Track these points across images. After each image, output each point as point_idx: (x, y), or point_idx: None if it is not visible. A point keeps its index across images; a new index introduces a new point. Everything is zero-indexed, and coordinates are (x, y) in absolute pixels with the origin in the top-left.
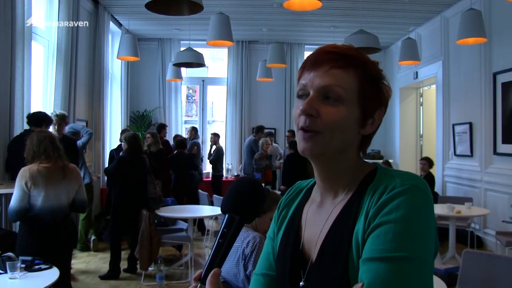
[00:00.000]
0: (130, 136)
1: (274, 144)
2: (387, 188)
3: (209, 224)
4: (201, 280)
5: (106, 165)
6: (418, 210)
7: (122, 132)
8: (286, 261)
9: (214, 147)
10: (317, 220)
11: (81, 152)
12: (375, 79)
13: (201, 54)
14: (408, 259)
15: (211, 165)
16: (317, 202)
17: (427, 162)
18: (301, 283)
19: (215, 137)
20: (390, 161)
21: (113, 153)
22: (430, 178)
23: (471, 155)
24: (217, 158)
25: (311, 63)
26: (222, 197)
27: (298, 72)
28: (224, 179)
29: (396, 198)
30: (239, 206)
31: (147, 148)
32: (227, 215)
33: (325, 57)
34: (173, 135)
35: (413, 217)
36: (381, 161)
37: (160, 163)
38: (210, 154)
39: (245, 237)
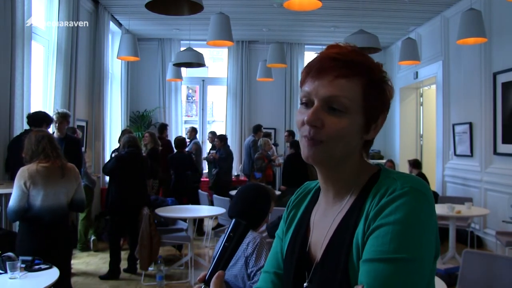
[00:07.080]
0: (130, 140)
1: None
2: (387, 190)
3: (209, 224)
4: (206, 281)
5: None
6: (417, 212)
7: (123, 132)
8: (292, 261)
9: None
10: (324, 223)
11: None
12: (379, 83)
13: (201, 54)
14: (406, 260)
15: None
16: (324, 205)
17: (410, 164)
18: (305, 284)
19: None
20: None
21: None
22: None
23: (471, 155)
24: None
25: (316, 71)
26: (221, 197)
27: (302, 75)
28: None
29: (395, 200)
30: (246, 211)
31: (144, 147)
32: (233, 220)
33: (329, 65)
34: (173, 135)
35: (411, 218)
36: (384, 160)
37: (154, 162)
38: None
39: (245, 237)
